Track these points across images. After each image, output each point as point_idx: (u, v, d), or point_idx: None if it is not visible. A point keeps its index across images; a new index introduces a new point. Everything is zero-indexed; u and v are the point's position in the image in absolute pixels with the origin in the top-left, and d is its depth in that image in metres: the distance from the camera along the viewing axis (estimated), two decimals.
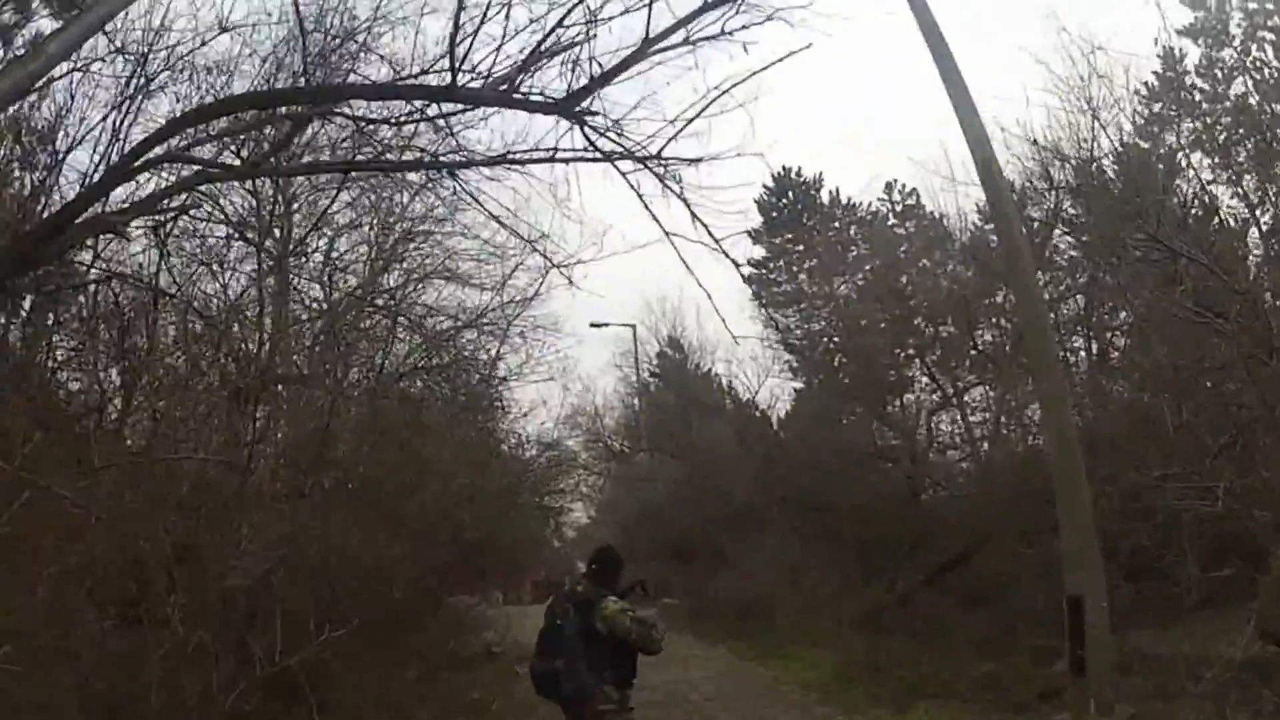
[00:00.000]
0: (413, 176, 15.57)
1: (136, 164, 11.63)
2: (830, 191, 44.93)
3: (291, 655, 10.79)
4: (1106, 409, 19.76)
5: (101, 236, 14.03)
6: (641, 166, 11.25)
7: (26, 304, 14.64)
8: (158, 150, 11.48)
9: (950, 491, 26.09)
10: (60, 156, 14.64)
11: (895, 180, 39.82)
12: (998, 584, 20.92)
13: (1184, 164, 21.67)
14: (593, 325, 39.38)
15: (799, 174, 46.23)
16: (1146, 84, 24.71)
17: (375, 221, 19.68)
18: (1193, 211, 20.09)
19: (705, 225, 11.49)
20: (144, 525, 10.58)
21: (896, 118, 69.14)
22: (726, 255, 11.82)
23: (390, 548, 14.44)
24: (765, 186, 44.97)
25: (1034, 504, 18.97)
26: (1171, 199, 19.99)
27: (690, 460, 35.18)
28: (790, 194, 45.45)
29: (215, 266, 16.68)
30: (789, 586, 26.42)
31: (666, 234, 11.50)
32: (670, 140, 11.04)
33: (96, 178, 12.69)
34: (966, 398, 27.83)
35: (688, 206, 11.40)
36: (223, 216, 16.94)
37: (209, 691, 9.71)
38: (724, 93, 10.77)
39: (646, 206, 11.47)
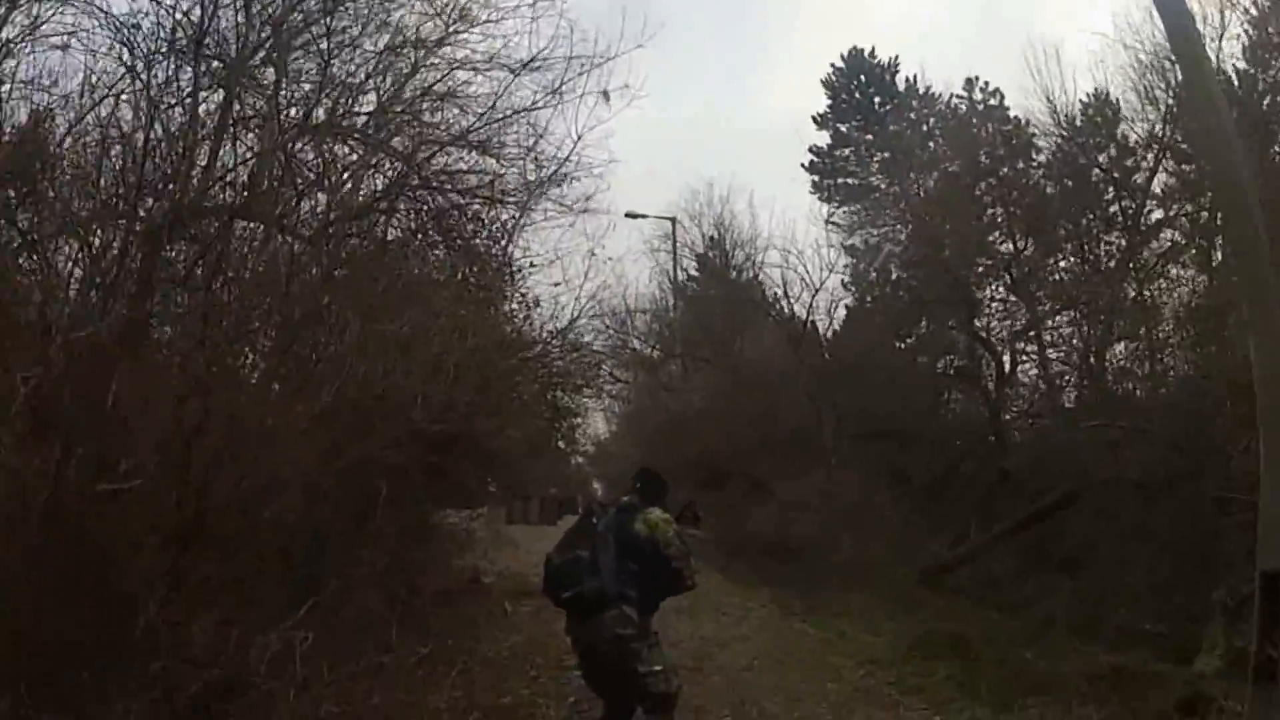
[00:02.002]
0: None
1: None
2: (907, 78, 41.06)
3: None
4: None
5: None
6: None
7: None
8: None
9: (1055, 425, 22.47)
10: None
11: (977, 78, 36.38)
12: (1093, 548, 17.86)
13: None
14: (629, 215, 37.27)
15: (873, 55, 42.45)
16: None
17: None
18: None
19: None
20: None
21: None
22: None
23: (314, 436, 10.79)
24: (834, 66, 42.02)
25: (1162, 451, 16.92)
26: None
27: (730, 371, 31.55)
28: (862, 76, 41.62)
29: (140, 70, 12.92)
30: (844, 529, 22.60)
31: None
32: None
33: None
34: (1047, 325, 25.26)
35: None
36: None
37: None
38: None
39: None
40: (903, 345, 29.32)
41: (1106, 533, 17.69)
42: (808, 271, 30.79)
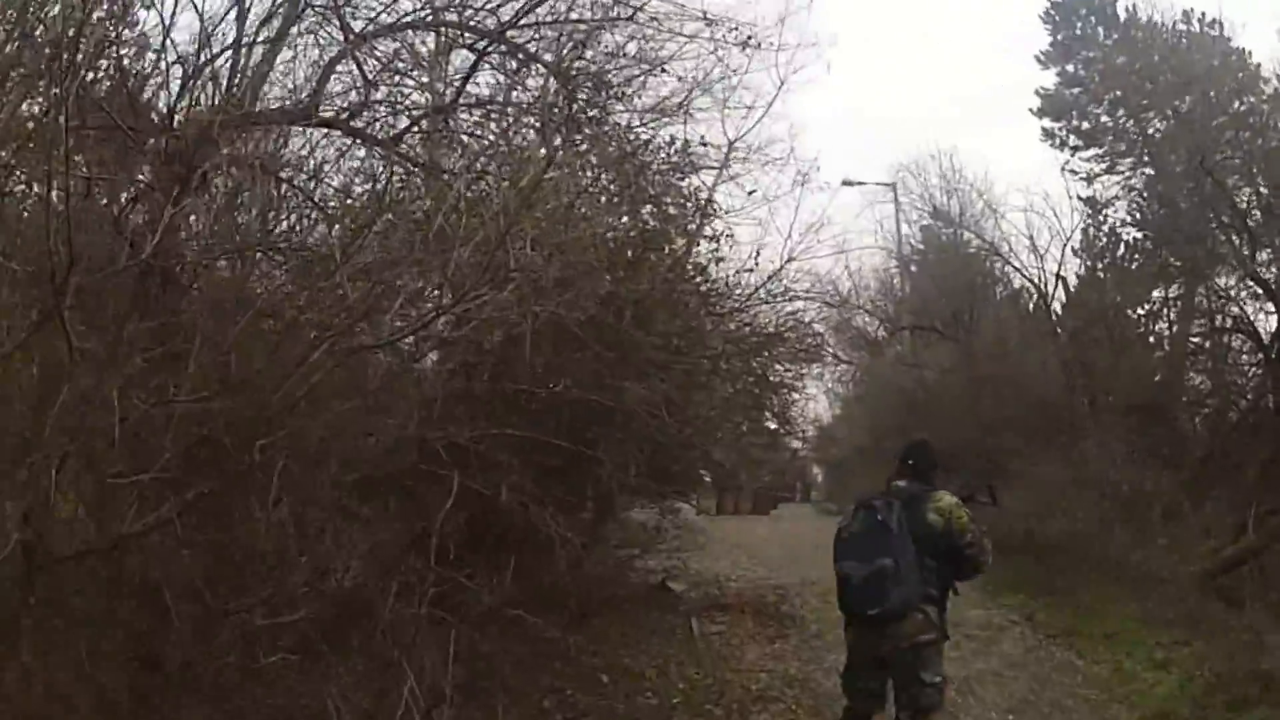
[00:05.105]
0: None
1: None
2: (1127, 7, 36.27)
3: None
4: None
5: None
6: None
7: None
8: None
9: None
10: None
11: (1193, 10, 31.60)
12: None
13: None
14: (845, 184, 35.06)
15: None
16: None
17: None
18: None
19: None
20: None
21: None
22: None
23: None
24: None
25: None
26: None
27: (966, 342, 27.39)
28: (1083, 9, 37.30)
29: None
30: (1109, 521, 18.14)
31: None
32: None
33: None
34: None
35: None
36: None
37: None
38: None
39: None
40: (1142, 311, 25.48)
41: None
42: (1056, 217, 26.86)
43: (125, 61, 9.27)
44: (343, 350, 6.66)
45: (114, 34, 8.93)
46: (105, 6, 8.68)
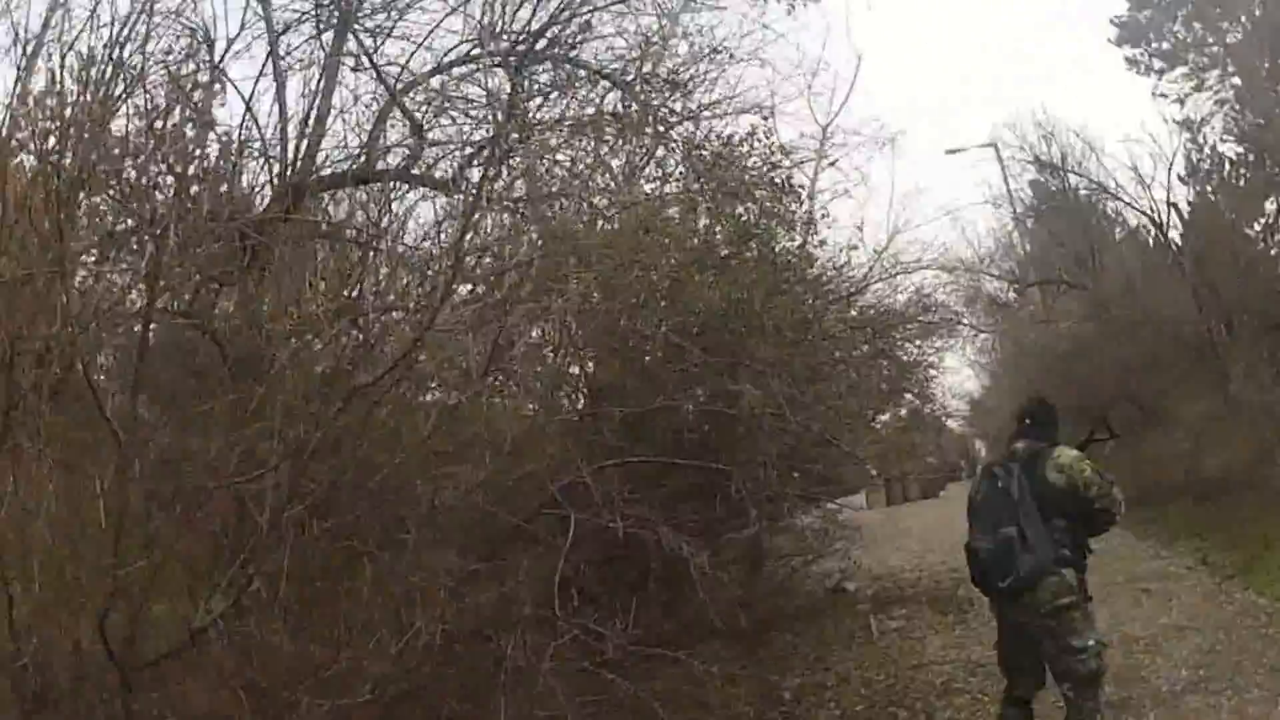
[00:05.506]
0: None
1: None
2: None
3: None
4: None
5: None
6: None
7: None
8: None
9: None
10: None
11: None
12: None
13: None
14: (949, 152, 35.18)
15: None
16: None
17: None
18: None
19: None
20: None
21: None
22: None
23: None
24: None
25: None
26: None
27: (1095, 289, 26.69)
28: None
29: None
30: (1272, 447, 17.42)
31: None
32: None
33: None
34: None
35: None
36: None
37: None
38: None
39: None
40: (1259, 226, 24.26)
41: None
42: (1155, 141, 26.48)
43: (193, 163, 9.17)
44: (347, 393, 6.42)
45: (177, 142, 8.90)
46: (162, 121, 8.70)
